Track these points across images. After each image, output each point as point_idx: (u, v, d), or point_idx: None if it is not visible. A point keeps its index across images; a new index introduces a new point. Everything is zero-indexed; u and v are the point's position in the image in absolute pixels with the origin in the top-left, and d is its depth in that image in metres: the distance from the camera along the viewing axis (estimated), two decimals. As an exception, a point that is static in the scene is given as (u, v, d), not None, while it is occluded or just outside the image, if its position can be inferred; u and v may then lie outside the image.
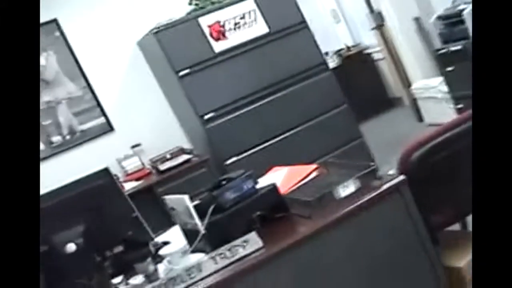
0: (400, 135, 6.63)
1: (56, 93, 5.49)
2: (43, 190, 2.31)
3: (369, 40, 8.40)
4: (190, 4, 5.48)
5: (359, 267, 2.33)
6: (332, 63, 6.19)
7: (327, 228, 2.30)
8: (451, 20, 5.96)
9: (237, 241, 2.26)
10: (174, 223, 2.71)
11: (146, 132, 5.62)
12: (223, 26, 5.33)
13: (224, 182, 2.54)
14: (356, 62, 8.65)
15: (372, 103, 8.37)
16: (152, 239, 2.47)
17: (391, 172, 2.59)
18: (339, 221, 2.31)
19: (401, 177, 2.43)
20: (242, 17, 5.40)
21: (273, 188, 2.52)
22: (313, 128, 5.46)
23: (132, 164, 5.42)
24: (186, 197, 2.45)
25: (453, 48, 5.94)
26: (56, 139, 5.45)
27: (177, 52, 5.20)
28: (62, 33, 5.49)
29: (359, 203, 2.34)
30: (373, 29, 7.61)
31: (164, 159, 5.33)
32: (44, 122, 5.42)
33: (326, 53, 6.03)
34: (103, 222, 2.31)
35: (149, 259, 2.37)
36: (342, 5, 9.08)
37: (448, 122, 2.66)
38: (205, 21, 5.29)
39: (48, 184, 2.25)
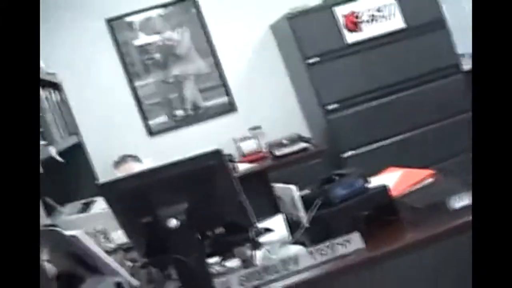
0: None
1: (185, 68, 5.60)
2: (157, 161, 2.34)
3: None
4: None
5: (464, 281, 2.20)
6: (466, 65, 5.93)
7: (434, 239, 2.18)
8: None
9: (339, 239, 2.20)
10: (280, 211, 2.68)
11: (266, 116, 5.61)
12: (358, 17, 5.23)
13: (335, 177, 2.49)
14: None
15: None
16: (254, 225, 2.44)
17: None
18: (448, 233, 2.20)
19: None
20: (379, 10, 5.28)
21: (384, 189, 2.44)
22: (435, 131, 5.26)
23: (249, 146, 5.44)
24: (294, 188, 2.41)
25: None
26: (179, 112, 5.57)
27: (308, 39, 5.17)
28: (198, 10, 5.58)
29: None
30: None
31: (281, 145, 5.31)
32: (171, 95, 5.55)
33: (463, 55, 5.77)
34: (208, 202, 2.30)
35: (248, 244, 2.36)
36: (485, 6, 8.70)
37: None
38: (341, 11, 5.21)
39: (165, 154, 2.27)
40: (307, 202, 2.39)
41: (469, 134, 5.22)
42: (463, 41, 5.96)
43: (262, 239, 2.42)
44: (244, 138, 5.48)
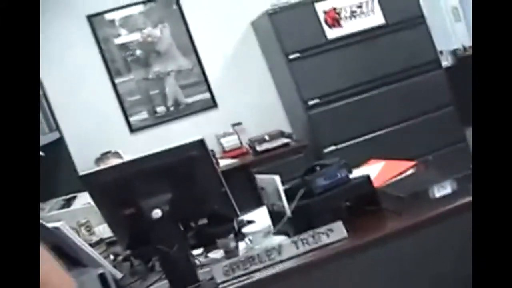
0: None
1: (166, 64, 5.59)
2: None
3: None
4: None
5: (445, 269, 2.23)
6: (445, 62, 5.98)
7: (417, 227, 2.21)
8: None
9: (322, 229, 2.21)
10: (262, 203, 2.69)
11: (248, 112, 5.62)
12: (339, 13, 5.26)
13: (318, 168, 2.50)
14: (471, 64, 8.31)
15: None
16: (238, 216, 2.44)
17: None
18: (430, 221, 2.22)
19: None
20: (359, 6, 5.31)
21: (366, 179, 2.45)
22: (416, 125, 5.31)
23: (230, 142, 5.45)
24: (277, 178, 2.42)
25: None
26: (160, 109, 5.56)
27: (289, 35, 5.20)
28: (179, 7, 5.57)
29: (454, 205, 2.23)
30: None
31: (262, 140, 5.33)
32: (151, 91, 5.54)
33: (441, 52, 5.82)
34: (192, 193, 2.30)
35: (231, 236, 2.36)
36: (464, 3, 8.74)
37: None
38: (321, 7, 5.25)
39: (146, 151, 2.27)
40: (290, 192, 2.39)
41: (449, 128, 5.28)
42: (441, 39, 6.02)
43: (245, 229, 2.42)
44: (226, 134, 5.49)
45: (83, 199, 3.65)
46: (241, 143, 5.47)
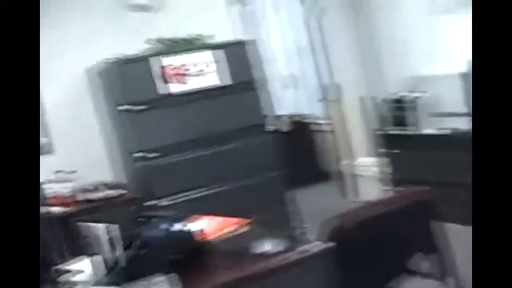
0: (332, 209, 6.61)
1: None
2: None
3: (316, 111, 8.49)
4: (147, 43, 5.44)
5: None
6: (272, 127, 6.23)
7: (241, 282, 2.24)
8: (399, 104, 6.31)
9: (144, 282, 2.18)
10: (87, 253, 2.61)
11: (77, 160, 5.44)
12: (175, 69, 5.29)
13: (151, 219, 2.49)
14: (300, 131, 8.73)
15: (309, 174, 8.40)
16: (57, 264, 2.36)
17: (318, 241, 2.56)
18: (258, 276, 2.26)
19: (329, 244, 2.40)
20: (195, 65, 5.37)
21: (192, 233, 2.48)
22: (241, 188, 5.41)
23: (56, 189, 5.24)
24: (102, 226, 2.38)
25: (397, 132, 6.28)
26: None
27: (123, 87, 5.18)
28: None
29: (282, 261, 2.30)
30: (321, 100, 7.73)
31: (89, 190, 5.21)
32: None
33: (266, 116, 6.03)
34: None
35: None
36: (295, 73, 9.18)
37: (378, 200, 2.70)
38: (158, 62, 5.24)
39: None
40: (118, 242, 2.36)
41: (275, 192, 5.38)
42: (269, 104, 6.27)
43: (74, 278, 2.34)
44: (52, 181, 5.28)
45: None
46: (66, 191, 5.28)
